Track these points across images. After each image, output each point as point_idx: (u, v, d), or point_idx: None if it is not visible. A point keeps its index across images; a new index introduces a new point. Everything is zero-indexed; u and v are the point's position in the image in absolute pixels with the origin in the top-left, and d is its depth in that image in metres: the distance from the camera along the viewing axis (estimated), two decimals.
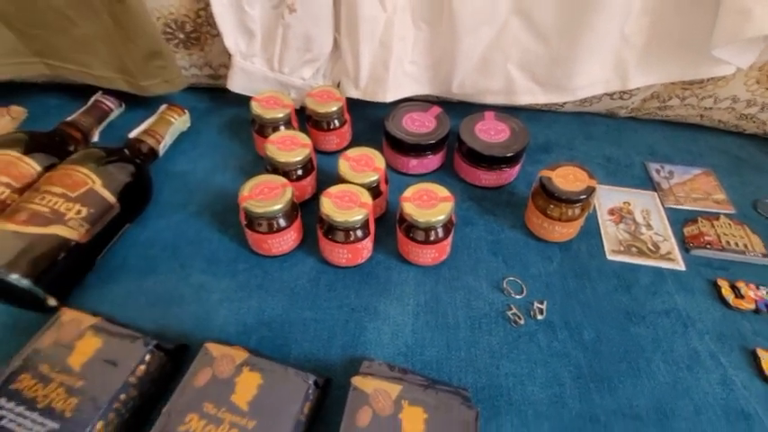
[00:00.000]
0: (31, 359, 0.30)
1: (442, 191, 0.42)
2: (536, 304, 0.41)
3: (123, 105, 0.59)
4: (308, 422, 0.30)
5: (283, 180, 0.42)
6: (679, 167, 0.55)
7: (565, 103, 0.61)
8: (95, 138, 0.55)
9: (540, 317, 0.40)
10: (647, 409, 0.35)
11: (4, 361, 0.34)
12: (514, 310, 0.41)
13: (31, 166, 0.44)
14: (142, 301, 0.41)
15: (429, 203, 0.40)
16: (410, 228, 0.41)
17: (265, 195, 0.40)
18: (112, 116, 0.58)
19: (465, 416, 0.29)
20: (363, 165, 0.45)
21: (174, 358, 0.35)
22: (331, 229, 0.40)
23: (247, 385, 0.30)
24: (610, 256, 0.46)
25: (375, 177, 0.44)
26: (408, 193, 0.41)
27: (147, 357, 0.31)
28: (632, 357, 0.38)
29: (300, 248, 0.45)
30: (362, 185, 0.43)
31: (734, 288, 0.42)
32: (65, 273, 0.38)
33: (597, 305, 0.42)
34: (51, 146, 0.47)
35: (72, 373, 0.30)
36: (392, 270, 0.44)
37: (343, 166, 0.44)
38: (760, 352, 0.37)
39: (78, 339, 0.31)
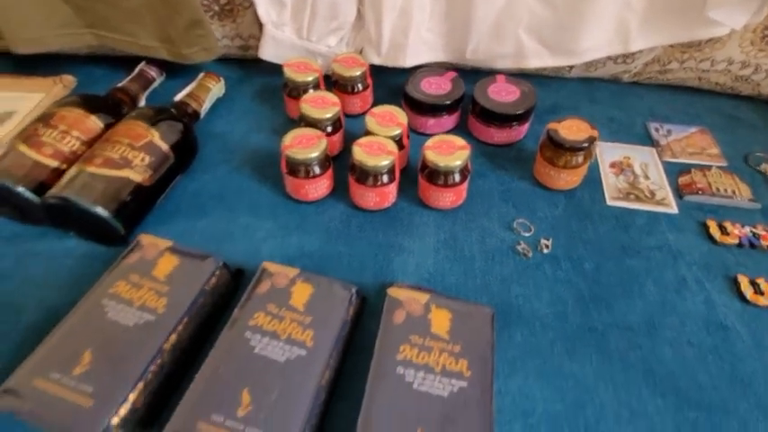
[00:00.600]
0: (123, 271, 0.37)
1: (460, 141, 0.47)
2: (542, 241, 0.46)
3: (164, 74, 0.65)
4: (352, 324, 0.36)
5: (319, 132, 0.47)
6: (677, 126, 0.60)
7: (571, 69, 0.65)
8: (142, 102, 0.60)
9: (546, 251, 0.46)
10: (638, 323, 0.40)
11: (92, 281, 0.41)
12: (523, 245, 0.46)
13: (95, 122, 0.50)
14: (197, 238, 0.47)
15: (448, 151, 0.45)
16: (431, 173, 0.46)
17: (304, 145, 0.46)
18: (155, 84, 0.63)
19: (484, 314, 0.35)
20: (388, 120, 0.50)
21: (235, 279, 0.41)
22: (362, 174, 0.46)
23: (301, 293, 0.36)
24: (610, 202, 0.51)
25: (399, 131, 0.49)
26: (430, 142, 0.47)
27: (217, 272, 0.37)
28: (627, 283, 0.43)
29: (332, 196, 0.51)
30: (388, 138, 0.48)
31: (721, 227, 0.47)
32: (133, 210, 0.44)
33: (597, 242, 0.47)
34: (108, 107, 0.53)
35: (158, 281, 0.36)
36: (414, 214, 0.50)
37: (370, 121, 0.50)
38: (740, 277, 0.43)
39: (159, 258, 0.38)
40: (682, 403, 0.36)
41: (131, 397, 0.30)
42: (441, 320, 0.34)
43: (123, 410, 0.30)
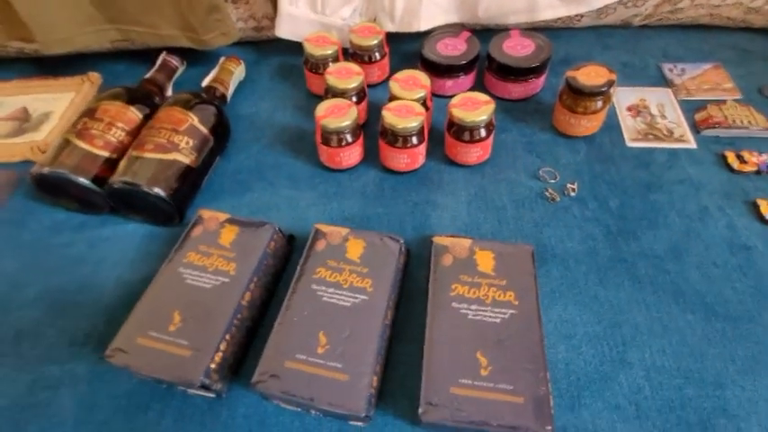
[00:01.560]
0: (192, 243, 0.40)
1: (483, 96, 0.49)
2: (568, 185, 0.49)
3: (185, 63, 0.67)
4: (403, 272, 0.40)
5: (348, 101, 0.50)
6: (690, 65, 0.61)
7: (581, 18, 0.65)
8: (169, 92, 0.63)
9: (572, 194, 0.48)
10: (665, 251, 0.43)
11: (157, 256, 0.45)
12: (551, 191, 0.49)
13: (135, 113, 0.53)
14: (245, 212, 0.50)
15: (473, 107, 0.48)
16: (459, 130, 0.49)
17: (336, 114, 0.48)
18: (178, 73, 0.66)
19: (524, 251, 0.38)
20: (412, 84, 0.52)
21: (288, 244, 0.44)
22: (393, 137, 0.48)
23: (355, 247, 0.39)
24: (629, 144, 0.53)
25: (423, 93, 0.51)
26: (455, 100, 0.49)
27: (275, 236, 0.41)
28: (652, 216, 0.46)
29: (363, 163, 0.54)
30: (413, 101, 0.50)
31: (739, 156, 0.49)
32: (185, 191, 0.48)
33: (620, 182, 0.50)
34: (142, 98, 0.56)
35: (225, 249, 0.39)
36: (443, 172, 0.53)
37: (394, 86, 0.52)
38: (759, 201, 0.45)
39: (221, 228, 0.41)
40: (710, 316, 0.39)
41: (222, 346, 0.34)
42: (485, 260, 0.37)
43: (217, 358, 0.34)
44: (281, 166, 0.55)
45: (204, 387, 0.33)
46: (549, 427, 0.29)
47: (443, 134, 0.53)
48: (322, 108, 0.49)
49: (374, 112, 0.58)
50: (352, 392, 0.31)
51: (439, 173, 0.53)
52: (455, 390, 0.31)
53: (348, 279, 0.37)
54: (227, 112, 0.60)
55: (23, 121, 0.62)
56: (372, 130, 0.55)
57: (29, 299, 0.45)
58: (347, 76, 0.53)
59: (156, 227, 0.50)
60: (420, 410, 0.30)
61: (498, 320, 0.34)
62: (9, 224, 0.51)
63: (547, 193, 0.49)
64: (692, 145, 0.52)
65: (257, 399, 0.37)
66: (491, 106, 0.48)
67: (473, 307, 0.35)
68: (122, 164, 0.46)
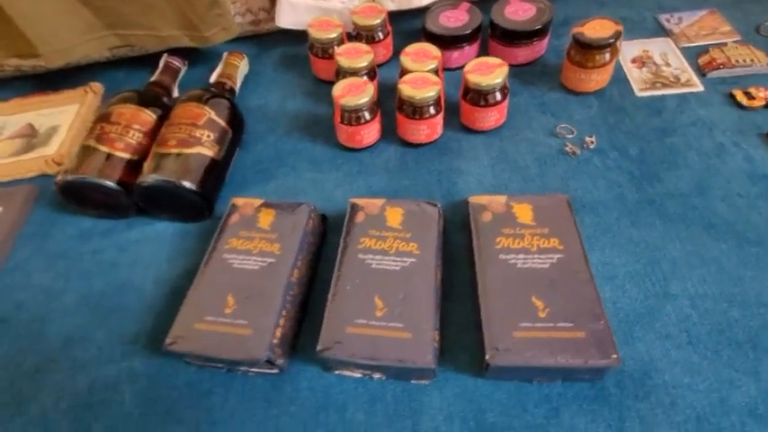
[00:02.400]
0: (231, 230, 0.41)
1: (495, 60, 0.50)
2: (586, 138, 0.50)
3: (187, 63, 0.66)
4: (443, 235, 0.40)
5: (363, 79, 0.50)
6: (686, 13, 0.62)
7: None
8: (175, 93, 0.63)
9: (591, 146, 0.50)
10: (689, 188, 0.45)
11: (192, 252, 0.45)
12: (570, 146, 0.50)
13: (149, 115, 0.52)
14: (273, 198, 0.50)
15: (488, 71, 0.48)
16: (475, 95, 0.49)
17: (354, 92, 0.49)
18: (181, 73, 0.65)
19: (560, 200, 0.39)
20: (422, 56, 0.52)
21: (323, 223, 0.45)
22: (411, 109, 0.49)
23: (394, 215, 0.40)
24: (639, 94, 0.54)
25: (435, 64, 0.52)
26: (468, 67, 0.49)
27: (312, 215, 0.42)
28: (671, 158, 0.48)
29: (382, 140, 0.54)
30: (426, 72, 0.51)
31: (746, 93, 0.51)
32: (212, 183, 0.48)
33: (636, 130, 0.51)
34: (152, 100, 0.55)
35: (265, 231, 0.40)
36: (461, 140, 0.53)
37: (406, 60, 0.52)
38: None
39: (257, 213, 0.42)
40: (742, 243, 0.40)
41: (281, 321, 0.35)
42: (524, 212, 0.38)
43: (278, 333, 0.34)
44: (300, 151, 0.55)
45: (269, 362, 0.33)
46: (615, 356, 0.30)
47: (457, 104, 0.53)
48: (339, 88, 0.49)
49: (384, 90, 0.59)
50: (417, 347, 0.32)
51: (458, 141, 0.54)
52: (518, 333, 0.32)
53: (393, 245, 0.38)
54: None
55: (31, 137, 0.61)
56: (385, 108, 0.55)
57: (69, 306, 0.44)
58: (357, 55, 0.54)
59: (185, 224, 0.50)
60: (487, 356, 0.31)
61: (547, 265, 0.35)
62: (35, 237, 0.51)
63: (567, 149, 0.50)
64: (700, 88, 0.53)
65: (318, 371, 0.37)
66: (505, 68, 0.49)
67: (520, 256, 0.36)
68: (148, 162, 0.46)
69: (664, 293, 0.38)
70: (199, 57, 0.66)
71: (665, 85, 0.54)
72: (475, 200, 0.40)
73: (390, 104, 0.55)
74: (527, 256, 0.36)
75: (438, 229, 0.39)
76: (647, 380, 0.34)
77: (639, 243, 0.42)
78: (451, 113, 0.55)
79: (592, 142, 0.50)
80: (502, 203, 0.39)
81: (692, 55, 0.57)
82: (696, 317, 0.37)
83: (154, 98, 0.57)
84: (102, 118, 0.51)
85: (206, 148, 0.48)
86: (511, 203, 0.39)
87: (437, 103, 0.50)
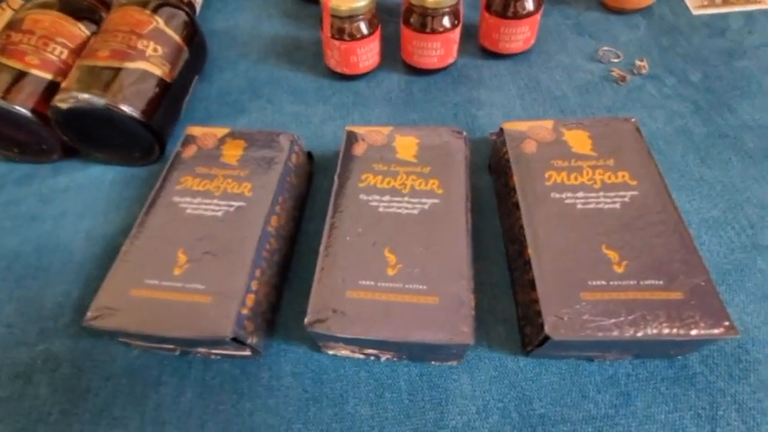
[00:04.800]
0: (185, 166, 0.30)
1: None
2: (637, 62, 0.41)
3: None
4: (469, 167, 0.31)
5: None
6: None
7: None
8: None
9: (644, 72, 0.40)
10: None
11: (135, 203, 0.35)
12: (617, 71, 0.40)
13: (80, 29, 0.40)
14: None
15: None
16: (503, 5, 0.39)
17: None
18: None
19: (627, 125, 0.30)
20: None
21: (309, 162, 0.35)
22: (422, 20, 0.38)
23: (407, 146, 0.30)
24: (696, 11, 0.44)
25: None
26: None
27: (296, 147, 0.31)
28: (743, 84, 0.39)
29: (381, 68, 0.44)
30: None
31: None
32: (162, 112, 0.36)
33: (696, 53, 0.42)
34: (83, 11, 0.42)
35: (232, 167, 0.29)
36: (481, 67, 0.43)
37: None
38: None
39: (221, 145, 0.31)
40: None
41: (253, 285, 0.25)
42: (580, 140, 0.29)
43: (249, 301, 0.24)
44: (279, 81, 0.44)
45: (237, 341, 0.24)
46: (728, 323, 0.22)
47: (478, 23, 0.43)
48: None
49: (385, 10, 0.48)
50: (449, 317, 0.23)
51: (476, 68, 0.43)
52: (587, 295, 0.23)
53: (407, 182, 0.28)
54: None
55: None
56: (387, 32, 0.44)
57: None
58: None
59: (129, 167, 0.38)
60: (546, 327, 0.22)
61: (617, 205, 0.26)
62: None
63: (614, 74, 0.40)
64: None
65: (306, 352, 0.28)
66: None
67: (579, 194, 0.27)
68: (69, 78, 0.34)
69: (753, 245, 0.30)
70: None
71: (726, 3, 0.44)
72: (511, 126, 0.31)
73: (393, 28, 0.44)
74: (588, 194, 0.27)
75: (465, 162, 0.29)
76: (744, 354, 0.26)
77: (715, 185, 0.33)
78: (468, 36, 0.44)
79: (644, 67, 0.40)
80: (548, 129, 0.30)
81: None
82: None
83: (87, 10, 0.43)
84: (10, 26, 0.38)
85: (152, 65, 0.36)
86: (561, 129, 0.30)
87: (455, 13, 0.39)
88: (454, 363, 0.26)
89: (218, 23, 0.50)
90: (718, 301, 0.22)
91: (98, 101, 0.32)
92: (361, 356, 0.27)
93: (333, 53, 0.41)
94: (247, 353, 0.26)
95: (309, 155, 0.36)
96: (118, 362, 0.28)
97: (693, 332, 0.21)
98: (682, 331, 0.21)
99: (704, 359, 0.26)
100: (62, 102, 0.32)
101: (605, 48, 0.43)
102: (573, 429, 0.25)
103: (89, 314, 0.24)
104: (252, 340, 0.25)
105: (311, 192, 0.36)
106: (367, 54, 0.41)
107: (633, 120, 0.30)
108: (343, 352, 0.27)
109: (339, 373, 0.27)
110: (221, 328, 0.23)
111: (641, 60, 0.41)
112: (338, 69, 0.42)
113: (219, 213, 0.27)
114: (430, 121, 0.39)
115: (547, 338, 0.22)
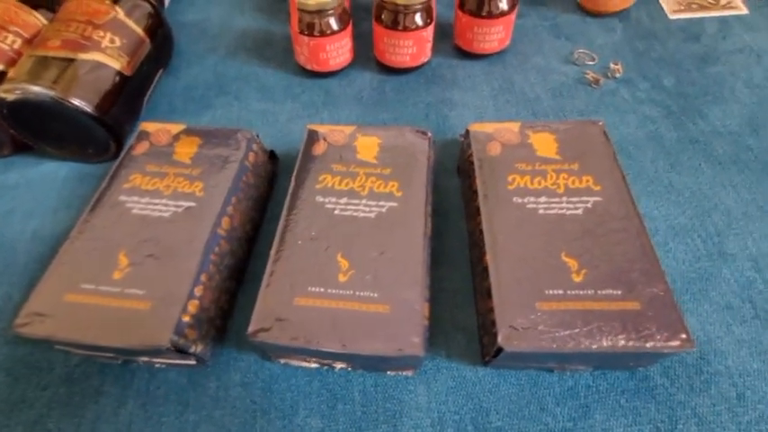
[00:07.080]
0: (135, 163, 0.28)
1: None
2: (611, 65, 0.40)
3: None
4: (433, 169, 0.30)
5: None
6: None
7: None
8: None
9: (618, 75, 0.40)
10: (740, 125, 0.36)
11: (85, 203, 0.34)
12: (591, 74, 0.40)
13: (36, 18, 0.38)
14: None
15: None
16: (477, 4, 0.38)
17: None
18: None
19: (594, 127, 0.29)
20: None
21: (271, 161, 0.33)
22: (394, 16, 0.37)
23: (368, 146, 0.29)
24: (672, 16, 0.44)
25: None
26: None
27: (254, 146, 0.30)
28: (715, 90, 0.38)
29: (353, 66, 0.43)
30: None
31: None
32: (120, 108, 0.35)
33: (670, 57, 0.41)
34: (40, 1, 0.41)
35: (184, 165, 0.28)
36: (455, 67, 0.42)
37: None
38: None
39: (175, 142, 0.29)
40: None
41: (197, 291, 0.24)
42: (545, 143, 0.28)
43: (192, 307, 0.23)
44: (246, 76, 0.43)
45: (178, 350, 0.22)
46: (685, 335, 0.21)
47: (452, 22, 0.42)
48: None
49: (358, 9, 0.47)
50: (400, 326, 0.22)
51: (450, 68, 0.42)
52: (543, 305, 0.22)
53: (366, 184, 0.27)
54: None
55: None
56: (360, 30, 0.43)
57: None
58: None
59: (85, 164, 0.37)
60: (500, 338, 0.21)
61: (580, 211, 0.25)
62: None
63: (588, 77, 0.40)
64: (744, 11, 0.44)
65: (256, 361, 0.27)
66: None
67: (542, 200, 0.26)
68: (17, 68, 0.32)
69: (718, 253, 0.30)
70: None
71: (702, 7, 0.44)
72: (477, 128, 0.30)
73: (366, 26, 0.43)
74: (551, 199, 0.26)
75: (428, 164, 0.28)
76: (705, 366, 0.26)
77: (683, 191, 0.33)
78: (442, 36, 0.44)
79: (618, 70, 0.40)
80: (514, 132, 0.29)
81: None
82: (762, 282, 0.28)
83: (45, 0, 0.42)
84: None
85: (108, 57, 0.34)
86: (527, 132, 0.29)
87: (427, 10, 0.38)
88: (410, 373, 0.25)
89: (188, 16, 0.49)
90: (676, 313, 0.21)
91: (46, 93, 0.31)
92: (315, 366, 0.26)
93: (302, 49, 0.40)
94: (192, 362, 0.24)
95: (273, 154, 0.34)
96: (56, 370, 0.27)
97: (649, 345, 0.20)
98: (638, 344, 0.20)
99: (665, 371, 0.26)
100: (7, 93, 0.30)
101: (581, 50, 0.42)
102: None
103: (18, 320, 0.23)
104: (195, 349, 0.23)
105: (274, 192, 0.34)
106: (337, 51, 0.40)
107: (601, 123, 0.29)
108: (294, 362, 0.25)
109: (290, 383, 0.26)
110: (158, 336, 0.22)
111: (616, 64, 0.40)
112: (308, 66, 0.41)
113: (167, 214, 0.26)
114: (401, 122, 0.38)
115: (501, 350, 0.21)
